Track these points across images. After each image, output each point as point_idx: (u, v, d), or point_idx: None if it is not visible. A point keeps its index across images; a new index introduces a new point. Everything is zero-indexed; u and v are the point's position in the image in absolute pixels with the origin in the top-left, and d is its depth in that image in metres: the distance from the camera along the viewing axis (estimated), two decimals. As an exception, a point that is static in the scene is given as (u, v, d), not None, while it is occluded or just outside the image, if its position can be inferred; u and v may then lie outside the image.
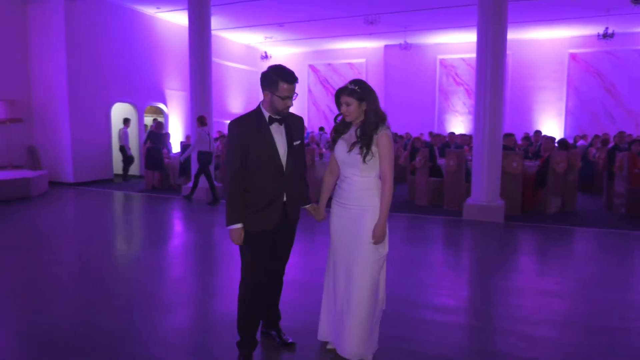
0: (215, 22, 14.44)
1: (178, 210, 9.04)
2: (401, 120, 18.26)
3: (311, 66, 19.83)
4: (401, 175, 11.75)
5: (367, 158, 2.92)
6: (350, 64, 19.13)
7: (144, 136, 12.75)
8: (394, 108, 18.55)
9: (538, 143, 11.38)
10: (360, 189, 2.99)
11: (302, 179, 3.15)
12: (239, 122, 2.90)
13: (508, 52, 16.30)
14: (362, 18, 12.45)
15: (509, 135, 8.97)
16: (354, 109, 2.95)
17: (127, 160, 12.95)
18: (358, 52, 18.85)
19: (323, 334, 3.23)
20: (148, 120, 14.62)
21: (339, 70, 19.34)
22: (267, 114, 2.90)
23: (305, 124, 18.87)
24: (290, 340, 3.27)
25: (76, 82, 11.74)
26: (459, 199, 8.58)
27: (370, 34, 16.29)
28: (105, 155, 12.70)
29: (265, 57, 17.51)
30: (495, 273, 5.14)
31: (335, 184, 3.17)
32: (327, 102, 19.53)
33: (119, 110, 13.41)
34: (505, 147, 8.48)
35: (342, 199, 3.05)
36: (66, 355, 3.17)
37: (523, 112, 16.89)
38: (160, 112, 14.72)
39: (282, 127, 2.94)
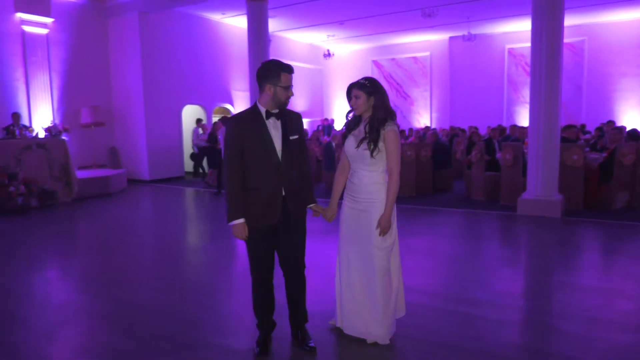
0: (278, 23, 15.00)
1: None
2: (468, 113, 17.77)
3: (375, 62, 19.81)
4: (460, 170, 11.52)
5: (375, 153, 3.09)
6: (414, 57, 18.88)
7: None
8: (460, 101, 18.10)
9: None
10: (368, 183, 3.16)
11: (304, 174, 3.16)
12: (236, 118, 3.04)
13: (583, 37, 15.49)
14: (420, 11, 12.29)
15: (570, 127, 8.53)
16: (362, 102, 3.15)
17: (192, 157, 13.77)
18: (422, 45, 18.55)
19: (340, 320, 3.41)
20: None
21: (403, 65, 19.16)
22: (263, 110, 2.99)
23: (369, 119, 19.07)
24: (311, 344, 3.20)
25: (150, 87, 12.72)
26: (515, 194, 8.29)
27: (432, 27, 16.01)
28: (177, 154, 13.64)
29: (328, 55, 17.76)
30: (536, 268, 5.01)
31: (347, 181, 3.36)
32: (391, 97, 19.35)
33: (190, 112, 14.33)
34: (565, 140, 8.09)
35: (353, 192, 3.25)
36: (148, 342, 3.45)
37: (601, 102, 15.76)
38: (228, 112, 15.49)
39: (278, 122, 3.02)
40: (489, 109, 17.46)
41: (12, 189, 8.55)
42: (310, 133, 15.12)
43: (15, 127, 9.90)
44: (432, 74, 18.47)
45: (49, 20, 11.64)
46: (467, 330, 3.50)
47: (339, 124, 19.89)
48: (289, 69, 2.99)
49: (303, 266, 3.22)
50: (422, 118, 18.80)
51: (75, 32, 12.36)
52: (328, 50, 17.77)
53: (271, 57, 15.76)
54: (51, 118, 11.59)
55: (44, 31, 11.60)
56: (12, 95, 11.08)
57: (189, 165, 14.27)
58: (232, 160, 2.95)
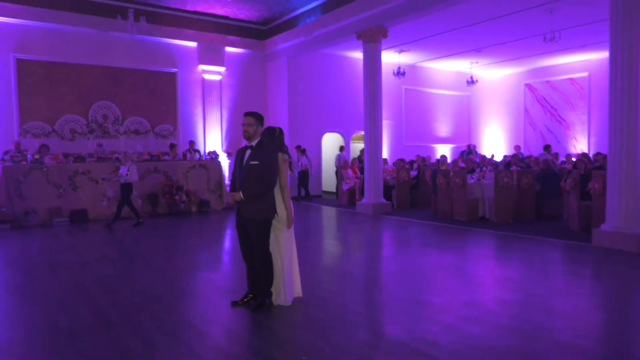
0: (415, 56, 16.13)
1: (352, 222, 10.96)
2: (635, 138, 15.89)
3: (528, 85, 19.10)
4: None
5: None
6: (571, 79, 17.68)
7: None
8: (624, 124, 16.30)
9: None
10: None
11: (260, 193, 4.46)
12: (238, 149, 4.76)
13: None
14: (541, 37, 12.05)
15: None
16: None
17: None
18: (579, 65, 17.30)
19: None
20: (361, 145, 17.17)
21: (557, 87, 18.09)
22: (247, 143, 4.64)
23: (520, 144, 18.37)
24: (257, 304, 4.63)
25: (294, 118, 15.12)
26: (605, 225, 7.87)
27: (584, 46, 15.08)
28: (316, 175, 15.72)
29: (471, 82, 17.93)
30: (522, 287, 5.23)
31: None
32: (545, 122, 18.45)
33: (331, 139, 16.35)
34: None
35: None
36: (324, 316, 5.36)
37: None
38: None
39: (249, 151, 4.56)
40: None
41: (177, 197, 11.54)
42: (453, 158, 15.76)
43: (188, 152, 13.11)
44: (590, 95, 17.06)
45: (222, 68, 14.98)
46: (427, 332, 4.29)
47: (488, 149, 19.69)
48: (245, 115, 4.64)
49: (258, 253, 4.55)
50: (579, 143, 17.40)
51: (241, 76, 15.53)
52: (471, 77, 17.96)
53: (414, 87, 16.95)
54: (220, 145, 14.80)
55: (217, 77, 14.97)
56: (192, 127, 14.60)
57: (327, 185, 16.23)
58: (232, 174, 4.82)
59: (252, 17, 14.84)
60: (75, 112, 12.72)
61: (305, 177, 14.65)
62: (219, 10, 14.12)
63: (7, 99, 11.92)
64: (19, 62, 12.02)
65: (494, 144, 20.22)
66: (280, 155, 4.71)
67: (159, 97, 14.03)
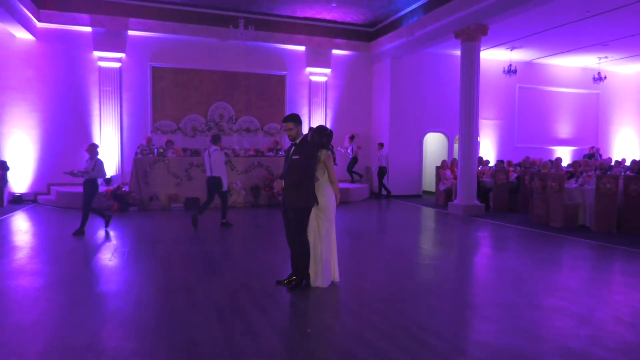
0: (534, 52, 15.31)
1: (444, 223, 10.95)
2: None
3: (671, 81, 16.75)
4: None
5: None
6: None
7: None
8: None
9: None
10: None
11: (298, 183, 4.98)
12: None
13: None
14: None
15: None
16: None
17: None
18: None
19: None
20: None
21: None
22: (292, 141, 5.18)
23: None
24: (292, 284, 5.18)
25: (396, 118, 15.29)
26: None
27: None
28: (417, 175, 15.69)
29: (599, 78, 16.26)
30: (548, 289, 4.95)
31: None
32: (691, 123, 16.04)
33: (433, 139, 16.17)
34: None
35: None
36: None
37: None
38: (474, 139, 16.49)
39: (293, 148, 5.10)
40: None
41: (274, 190, 12.55)
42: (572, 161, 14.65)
43: (291, 148, 14.03)
44: None
45: (328, 70, 15.73)
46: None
47: (619, 153, 17.70)
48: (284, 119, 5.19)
49: (296, 238, 5.08)
50: None
51: (346, 77, 16.12)
52: (599, 73, 16.29)
53: (529, 85, 16.08)
54: (323, 142, 15.56)
55: (323, 79, 15.75)
56: (297, 126, 15.57)
57: (428, 185, 16.11)
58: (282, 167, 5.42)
59: (358, 20, 15.33)
60: (197, 112, 14.46)
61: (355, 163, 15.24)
62: (326, 15, 14.86)
63: (144, 101, 14.03)
64: (154, 69, 14.06)
65: (627, 147, 18.10)
66: (323, 152, 5.17)
67: (269, 98, 15.25)
